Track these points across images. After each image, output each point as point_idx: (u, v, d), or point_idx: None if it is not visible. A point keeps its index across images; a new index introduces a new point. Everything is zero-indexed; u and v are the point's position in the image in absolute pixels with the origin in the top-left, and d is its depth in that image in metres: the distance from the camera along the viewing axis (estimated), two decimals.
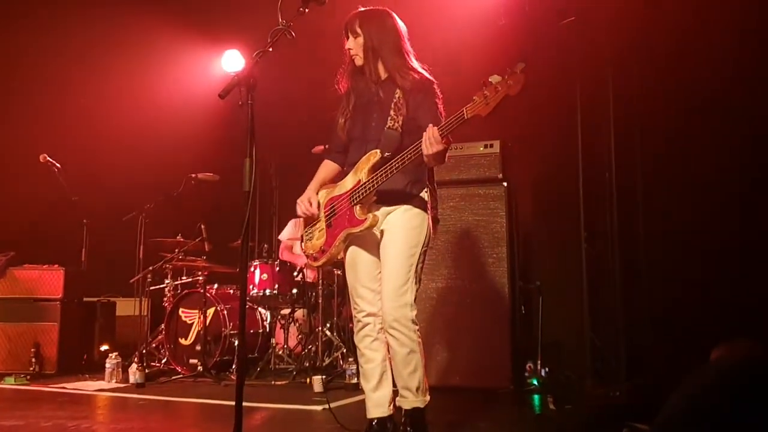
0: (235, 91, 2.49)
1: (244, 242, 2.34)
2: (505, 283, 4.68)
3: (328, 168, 3.23)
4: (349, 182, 2.99)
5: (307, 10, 2.71)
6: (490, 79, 2.52)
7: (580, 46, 4.81)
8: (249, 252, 6.32)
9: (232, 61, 7.42)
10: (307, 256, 3.17)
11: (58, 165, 6.10)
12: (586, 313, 4.79)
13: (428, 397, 2.99)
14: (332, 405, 3.90)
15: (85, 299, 6.32)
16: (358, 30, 2.99)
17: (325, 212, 3.08)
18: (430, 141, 2.63)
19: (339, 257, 3.09)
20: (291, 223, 6.44)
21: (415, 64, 3.02)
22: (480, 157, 4.93)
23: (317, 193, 3.14)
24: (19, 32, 6.79)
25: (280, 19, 2.62)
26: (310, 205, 3.09)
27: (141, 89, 7.03)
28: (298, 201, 3.14)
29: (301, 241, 3.23)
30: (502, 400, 4.38)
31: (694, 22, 4.23)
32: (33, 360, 5.66)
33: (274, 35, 2.60)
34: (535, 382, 4.65)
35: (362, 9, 3.05)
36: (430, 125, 2.66)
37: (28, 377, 5.42)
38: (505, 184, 4.84)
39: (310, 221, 3.16)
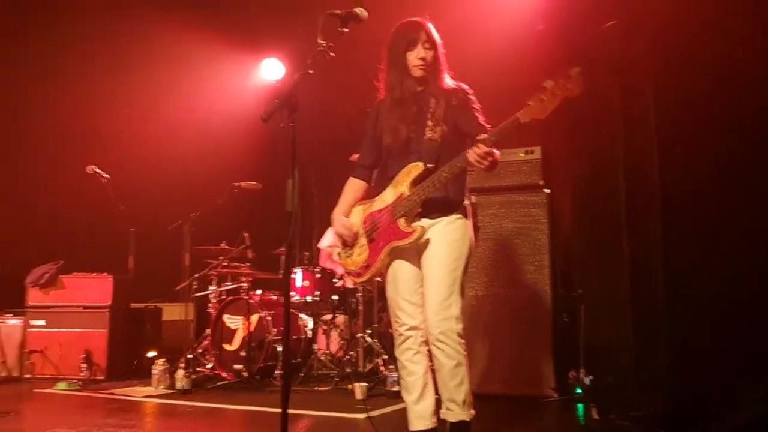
0: (277, 112, 2.53)
1: (288, 264, 2.39)
2: (546, 291, 4.65)
3: (354, 187, 3.21)
4: (389, 196, 3.01)
5: (346, 30, 2.73)
6: (544, 84, 2.52)
7: (621, 51, 4.74)
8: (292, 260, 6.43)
9: (271, 70, 7.53)
10: (349, 273, 3.18)
11: (105, 176, 6.27)
12: (629, 320, 4.73)
13: (473, 411, 2.99)
14: (374, 413, 3.95)
15: (132, 305, 6.49)
16: (437, 40, 3.00)
17: (365, 228, 3.09)
18: (480, 152, 2.64)
19: (383, 271, 3.10)
20: (330, 231, 6.49)
21: (449, 75, 3.04)
22: (520, 164, 4.89)
23: (349, 214, 3.15)
24: (66, 45, 6.96)
25: (320, 40, 2.65)
26: (347, 229, 3.10)
27: (184, 99, 7.18)
28: (334, 231, 3.17)
29: (339, 258, 3.24)
30: (544, 409, 4.36)
31: (750, 35, 4.12)
32: (83, 366, 5.83)
33: (314, 56, 2.64)
34: (579, 391, 4.61)
35: (427, 21, 3.04)
36: (481, 137, 2.66)
37: (79, 383, 5.58)
38: (546, 190, 4.81)
39: (346, 244, 3.16)
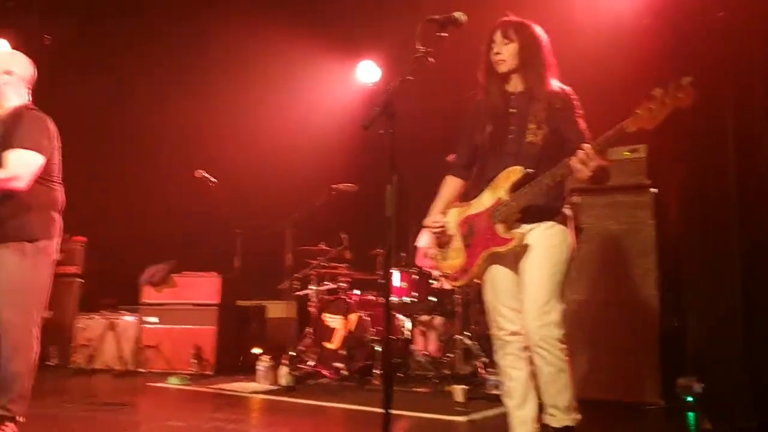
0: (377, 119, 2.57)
1: (386, 268, 2.42)
2: (653, 295, 4.47)
3: (451, 186, 3.20)
4: (486, 199, 2.97)
5: (446, 35, 2.73)
6: (653, 93, 2.43)
7: (730, 45, 4.50)
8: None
9: (367, 72, 7.62)
10: (445, 276, 3.18)
11: (212, 179, 6.54)
12: (741, 327, 4.49)
13: (579, 416, 2.92)
14: (474, 416, 3.93)
15: (238, 303, 6.76)
16: (513, 36, 2.94)
17: (461, 231, 3.07)
18: (586, 159, 2.58)
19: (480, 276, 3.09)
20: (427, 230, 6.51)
21: (555, 79, 2.97)
22: (625, 163, 4.69)
23: (447, 213, 3.14)
24: (171, 54, 7.31)
25: (419, 46, 2.67)
26: (440, 227, 3.11)
27: (283, 103, 7.38)
28: (426, 224, 3.16)
29: (434, 260, 3.24)
30: (651, 416, 4.21)
31: None
32: (193, 361, 6.11)
33: (413, 63, 2.65)
34: (690, 399, 4.41)
35: (513, 17, 3.02)
36: (585, 144, 2.59)
37: (190, 377, 5.86)
38: (653, 190, 4.62)
39: (441, 244, 3.16)
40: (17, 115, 3.34)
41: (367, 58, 7.54)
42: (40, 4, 6.36)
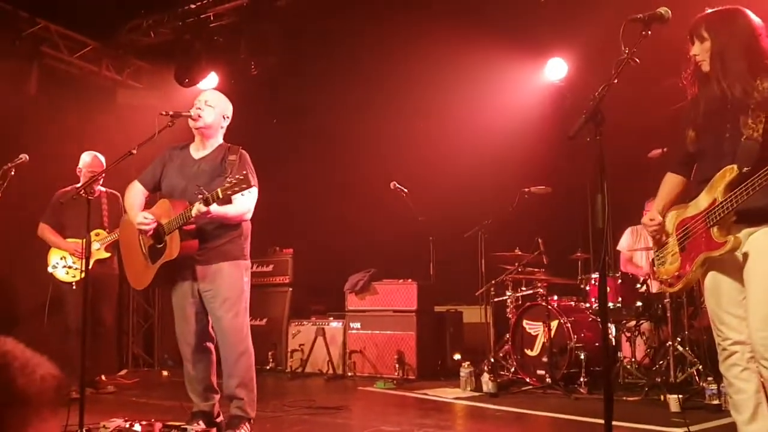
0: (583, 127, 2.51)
1: (602, 285, 2.36)
2: None
3: (670, 183, 3.07)
4: (702, 202, 2.81)
5: (650, 33, 2.62)
6: None
7: None
8: (588, 265, 6.31)
9: (555, 70, 7.44)
10: (661, 282, 3.06)
11: (405, 190, 6.76)
12: None
13: None
14: (693, 428, 3.70)
15: (435, 309, 6.91)
16: (704, 34, 2.81)
17: (677, 235, 2.93)
18: None
19: (696, 282, 2.93)
20: (628, 232, 6.23)
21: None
22: None
23: (666, 214, 3.01)
24: (363, 71, 7.62)
25: (623, 48, 2.58)
26: (657, 225, 2.99)
27: (473, 108, 7.40)
28: (643, 222, 3.07)
29: (652, 265, 3.13)
30: None
31: None
32: (396, 366, 6.34)
33: (618, 65, 2.57)
34: None
35: (709, 11, 2.85)
36: None
37: (394, 382, 6.08)
38: None
39: (659, 244, 3.05)
40: (238, 155, 3.74)
41: (555, 55, 7.36)
42: (247, 39, 6.94)
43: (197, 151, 3.84)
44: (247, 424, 3.68)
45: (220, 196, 3.35)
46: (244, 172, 3.34)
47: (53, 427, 0.73)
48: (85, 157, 5.66)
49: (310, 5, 6.90)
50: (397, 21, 7.02)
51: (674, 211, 3.00)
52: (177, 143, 3.97)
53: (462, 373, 5.66)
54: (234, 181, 3.31)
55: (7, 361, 0.70)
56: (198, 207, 3.40)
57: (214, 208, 3.44)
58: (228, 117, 3.91)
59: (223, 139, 3.92)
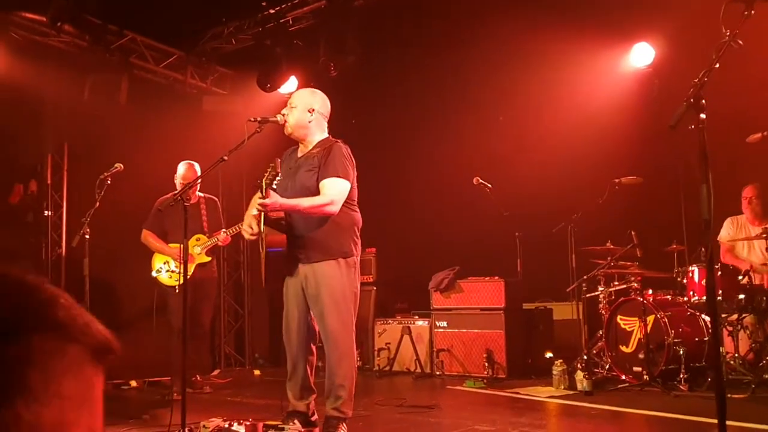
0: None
1: (710, 278, 2.24)
2: None
3: None
4: None
5: (752, 12, 2.47)
6: None
7: None
8: (684, 257, 6.03)
9: (641, 55, 7.17)
10: None
11: (489, 185, 6.66)
12: None
13: None
14: None
15: (524, 306, 6.78)
16: None
17: None
18: None
19: None
20: (728, 222, 5.92)
21: None
22: None
23: None
24: (444, 63, 7.55)
25: (724, 30, 2.44)
26: None
27: (556, 98, 7.20)
28: None
29: None
30: None
31: None
32: (486, 365, 6.26)
33: (719, 49, 2.44)
34: None
35: None
36: None
37: (485, 381, 6.00)
38: None
39: None
40: (327, 147, 3.75)
41: (640, 40, 7.07)
42: (325, 41, 7.00)
43: (301, 150, 3.91)
44: (344, 424, 3.71)
45: (263, 187, 3.40)
46: (278, 159, 3.41)
47: (92, 387, 0.68)
48: (180, 168, 5.83)
49: (386, 3, 6.90)
50: (475, 12, 6.93)
51: None
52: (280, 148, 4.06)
53: (554, 372, 5.53)
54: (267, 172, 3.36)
55: (54, 294, 0.65)
56: (256, 197, 3.48)
57: (278, 199, 3.51)
58: (315, 109, 3.85)
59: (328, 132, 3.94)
